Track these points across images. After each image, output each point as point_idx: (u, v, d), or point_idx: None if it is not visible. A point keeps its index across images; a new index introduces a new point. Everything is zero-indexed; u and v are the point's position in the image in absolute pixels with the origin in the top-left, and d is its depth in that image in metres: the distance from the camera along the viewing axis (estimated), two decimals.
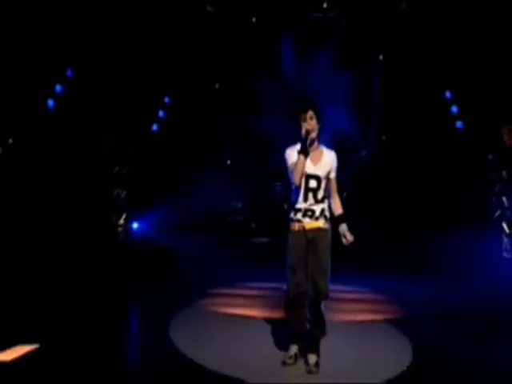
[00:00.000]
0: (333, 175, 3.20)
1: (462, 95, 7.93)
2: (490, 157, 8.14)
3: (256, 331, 4.07)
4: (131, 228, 8.70)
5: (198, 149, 8.31)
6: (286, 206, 4.02)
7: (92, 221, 8.15)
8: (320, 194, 3.13)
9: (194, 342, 3.75)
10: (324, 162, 3.15)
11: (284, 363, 3.18)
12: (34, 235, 7.02)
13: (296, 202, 3.16)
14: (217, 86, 8.47)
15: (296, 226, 3.14)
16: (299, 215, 3.13)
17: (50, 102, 7.43)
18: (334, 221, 3.20)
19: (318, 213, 3.12)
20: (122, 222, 8.68)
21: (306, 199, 3.13)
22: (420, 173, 8.22)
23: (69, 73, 7.41)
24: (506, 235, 8.16)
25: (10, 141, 7.45)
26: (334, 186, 3.23)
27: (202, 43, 7.79)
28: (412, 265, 6.99)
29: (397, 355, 3.55)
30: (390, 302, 5.61)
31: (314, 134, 3.11)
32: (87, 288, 5.76)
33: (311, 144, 3.12)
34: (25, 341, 3.61)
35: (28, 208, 7.15)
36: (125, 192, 8.66)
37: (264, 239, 8.23)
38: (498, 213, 8.22)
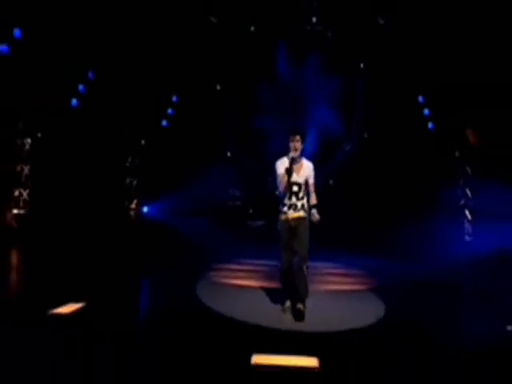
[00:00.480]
0: (310, 181, 4.31)
1: (433, 99, 8.98)
2: (457, 154, 9.28)
3: (257, 295, 5.16)
4: (141, 211, 9.71)
5: (201, 142, 9.26)
6: (277, 193, 4.98)
7: (108, 204, 9.16)
8: (300, 194, 4.26)
9: (212, 299, 4.84)
10: (303, 172, 4.26)
11: (283, 311, 4.32)
12: (66, 215, 8.01)
13: (283, 199, 4.28)
14: (218, 87, 9.40)
15: (283, 217, 4.28)
16: (285, 209, 4.27)
17: (74, 101, 8.36)
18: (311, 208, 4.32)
19: (299, 207, 4.24)
20: (133, 206, 9.69)
21: (290, 198, 4.24)
22: (397, 166, 9.25)
23: (90, 75, 8.32)
24: (468, 221, 9.33)
25: (39, 134, 8.41)
26: (311, 187, 4.33)
27: (206, 49, 8.71)
28: (388, 247, 8.04)
29: (372, 312, 4.66)
30: (369, 276, 6.71)
31: (298, 153, 4.17)
32: (110, 258, 6.80)
33: (295, 161, 4.17)
34: (74, 300, 4.64)
35: (59, 191, 8.13)
36: (136, 180, 9.66)
37: (259, 222, 9.30)
38: (462, 202, 9.37)
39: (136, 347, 3.61)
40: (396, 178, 9.23)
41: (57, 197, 8.31)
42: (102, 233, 8.14)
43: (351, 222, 8.99)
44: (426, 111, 9.06)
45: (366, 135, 9.60)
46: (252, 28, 8.76)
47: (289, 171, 4.11)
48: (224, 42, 8.76)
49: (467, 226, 9.24)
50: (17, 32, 6.99)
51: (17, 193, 8.46)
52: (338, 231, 8.49)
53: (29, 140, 8.42)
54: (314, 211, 4.23)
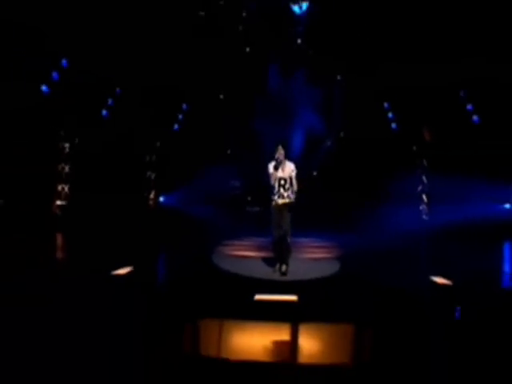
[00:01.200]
0: (293, 175, 6.12)
1: (396, 105, 10.85)
2: (415, 148, 11.20)
3: (255, 261, 7.10)
4: (159, 200, 11.58)
5: (207, 143, 11.10)
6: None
7: (129, 195, 10.99)
8: (286, 186, 6.11)
9: (224, 264, 6.78)
10: (287, 170, 6.09)
11: (274, 270, 6.28)
12: (99, 204, 9.85)
13: (273, 190, 6.14)
14: (221, 96, 11.20)
15: (273, 203, 6.15)
16: (276, 197, 6.13)
17: (104, 112, 10.12)
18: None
19: (285, 196, 6.10)
20: (152, 196, 11.55)
21: (279, 189, 6.10)
22: (367, 159, 11.15)
23: (117, 91, 10.06)
24: (425, 204, 11.31)
25: (76, 140, 10.19)
26: (293, 180, 6.13)
27: (212, 66, 10.46)
28: (356, 225, 9.91)
29: (331, 269, 6.64)
30: (335, 247, 8.69)
31: (282, 158, 6.02)
32: (138, 237, 8.70)
33: (280, 163, 6.04)
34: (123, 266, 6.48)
35: (93, 185, 9.95)
36: (154, 174, 11.50)
37: (256, 208, 11.19)
38: (419, 188, 11.33)
39: (171, 294, 5.53)
40: (366, 168, 11.13)
41: (91, 190, 10.16)
42: (128, 218, 10.02)
43: (328, 206, 10.93)
44: (391, 115, 10.95)
45: (342, 134, 11.47)
46: (247, 49, 10.51)
47: (276, 169, 5.99)
48: (226, 60, 10.52)
49: (424, 207, 11.25)
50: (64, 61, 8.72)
51: (60, 187, 10.31)
52: (319, 213, 10.42)
53: (68, 144, 10.21)
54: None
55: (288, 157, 6.13)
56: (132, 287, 5.84)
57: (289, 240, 6.11)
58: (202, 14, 9.50)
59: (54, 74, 8.53)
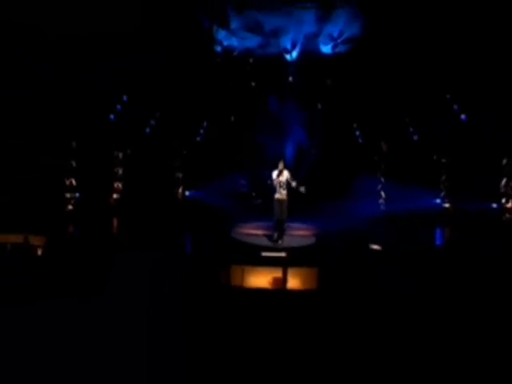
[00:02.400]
0: (289, 178, 9.44)
1: (361, 126, 14.23)
2: (375, 157, 14.60)
3: (261, 236, 10.55)
4: (185, 195, 14.93)
5: (222, 151, 14.44)
6: (269, 182, 10.22)
7: (164, 191, 14.31)
8: (284, 187, 9.46)
9: (241, 238, 10.22)
10: (284, 176, 9.41)
11: (273, 241, 9.74)
12: (144, 197, 13.16)
13: (275, 189, 9.51)
14: (232, 118, 14.57)
15: (275, 197, 9.53)
16: (277, 194, 9.51)
17: (147, 130, 13.44)
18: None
19: (282, 193, 9.47)
20: (180, 191, 14.88)
21: (279, 189, 9.47)
22: (340, 165, 14.45)
23: (156, 114, 13.39)
24: (383, 198, 14.74)
25: (128, 150, 13.50)
26: (291, 182, 9.40)
27: (226, 95, 13.78)
28: (330, 214, 13.28)
29: (310, 241, 10.12)
30: (314, 229, 12.04)
31: (281, 167, 9.40)
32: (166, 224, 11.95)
33: (281, 172, 9.43)
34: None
35: (139, 183, 13.26)
36: (181, 174, 14.84)
37: (259, 201, 14.56)
38: (379, 187, 14.75)
39: (209, 255, 8.90)
40: (339, 172, 14.43)
41: (138, 187, 13.50)
42: (164, 207, 13.39)
43: (310, 200, 14.31)
44: (358, 133, 14.36)
45: (321, 146, 14.87)
46: (253, 83, 13.88)
47: (277, 175, 9.35)
48: (236, 92, 13.86)
49: (382, 201, 14.70)
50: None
51: (115, 185, 13.66)
52: (303, 205, 13.80)
53: (121, 154, 13.55)
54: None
55: (284, 164, 9.49)
56: (179, 253, 9.25)
57: (285, 224, 9.57)
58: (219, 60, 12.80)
59: (118, 107, 11.87)
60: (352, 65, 12.45)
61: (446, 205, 13.47)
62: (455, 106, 11.67)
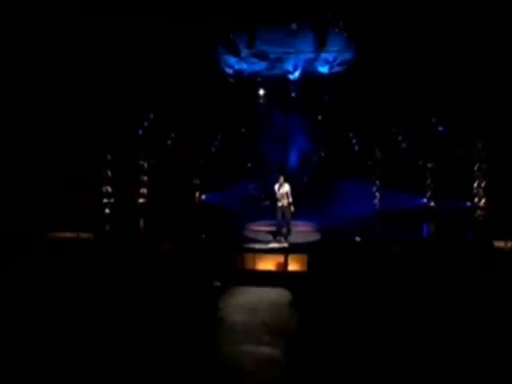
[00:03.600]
0: (289, 192, 11.53)
1: (358, 134, 16.52)
2: (370, 162, 16.84)
3: (267, 233, 12.86)
4: (202, 199, 17.33)
5: (233, 160, 16.81)
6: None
7: (183, 195, 16.70)
8: (284, 197, 11.58)
9: (250, 235, 12.56)
10: (285, 189, 11.56)
11: (278, 237, 12.06)
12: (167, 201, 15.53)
13: (277, 200, 11.66)
14: (243, 130, 16.98)
15: (278, 205, 11.73)
16: (279, 203, 11.66)
17: (168, 142, 15.89)
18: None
19: (285, 202, 11.60)
20: (197, 195, 17.29)
21: (280, 199, 11.59)
22: (339, 170, 16.67)
23: (172, 134, 15.84)
24: (378, 199, 16.99)
25: (151, 160, 15.97)
26: (289, 196, 11.61)
27: (236, 111, 16.18)
28: (332, 213, 15.52)
29: (315, 237, 12.41)
30: (317, 227, 14.27)
31: (282, 181, 11.69)
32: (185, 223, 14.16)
33: (281, 185, 11.73)
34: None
35: (163, 189, 15.66)
36: (198, 180, 17.25)
37: (266, 202, 16.84)
38: (374, 189, 17.00)
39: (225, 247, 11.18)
40: (339, 176, 16.66)
41: (161, 192, 15.91)
42: (184, 208, 15.79)
43: (314, 201, 16.64)
44: (354, 141, 16.66)
45: (322, 154, 17.21)
46: (261, 100, 16.29)
47: (278, 188, 11.62)
48: (246, 107, 16.28)
49: (376, 202, 16.94)
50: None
51: (141, 190, 16.12)
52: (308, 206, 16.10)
53: (146, 163, 16.04)
54: (291, 207, 11.62)
55: (284, 177, 11.77)
56: (202, 245, 11.56)
57: (290, 224, 11.77)
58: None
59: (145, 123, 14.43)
60: (347, 82, 14.66)
61: (431, 203, 15.67)
62: (433, 119, 13.90)
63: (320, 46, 13.77)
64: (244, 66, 14.92)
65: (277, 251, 10.08)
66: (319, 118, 16.36)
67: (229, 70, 14.97)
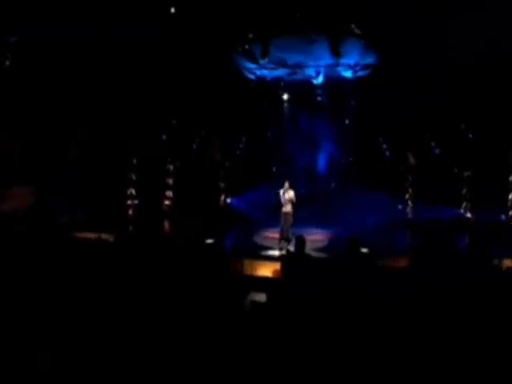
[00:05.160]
0: (293, 198, 11.91)
1: (389, 139, 16.30)
2: (402, 169, 16.50)
3: (272, 238, 13.21)
4: (227, 202, 18.03)
5: (259, 164, 17.30)
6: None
7: (209, 198, 17.48)
8: (287, 203, 11.89)
9: (261, 241, 13.04)
10: (290, 195, 11.90)
11: (281, 247, 12.40)
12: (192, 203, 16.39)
13: (283, 205, 12.06)
14: (269, 134, 17.45)
15: (282, 211, 12.09)
16: (283, 209, 12.01)
17: (194, 146, 16.81)
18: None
19: (288, 208, 11.95)
20: (222, 198, 18.03)
21: (284, 205, 11.95)
22: (370, 176, 16.51)
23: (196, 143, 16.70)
24: (410, 206, 16.60)
25: (177, 163, 16.97)
26: (293, 199, 12.02)
27: (261, 115, 16.70)
28: (353, 221, 15.51)
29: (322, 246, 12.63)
30: (329, 235, 14.32)
31: (286, 187, 11.97)
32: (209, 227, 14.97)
33: (286, 190, 11.97)
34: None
35: (189, 192, 16.57)
36: (224, 184, 17.98)
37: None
38: (406, 196, 16.63)
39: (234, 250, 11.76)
40: (369, 183, 16.55)
41: (187, 194, 16.82)
42: (210, 210, 16.57)
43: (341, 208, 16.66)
44: (384, 145, 16.47)
45: (350, 159, 17.17)
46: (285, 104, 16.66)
47: (283, 196, 11.95)
48: (271, 112, 16.75)
49: (409, 211, 16.59)
50: None
51: (167, 193, 17.18)
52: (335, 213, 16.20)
53: (172, 166, 17.05)
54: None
55: (289, 184, 12.07)
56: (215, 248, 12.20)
57: (290, 232, 12.06)
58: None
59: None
60: (373, 86, 14.58)
61: (468, 215, 15.09)
62: (464, 125, 13.45)
63: (335, 55, 13.83)
64: (265, 73, 15.34)
65: (274, 258, 10.46)
66: (346, 121, 16.33)
67: (251, 76, 15.42)
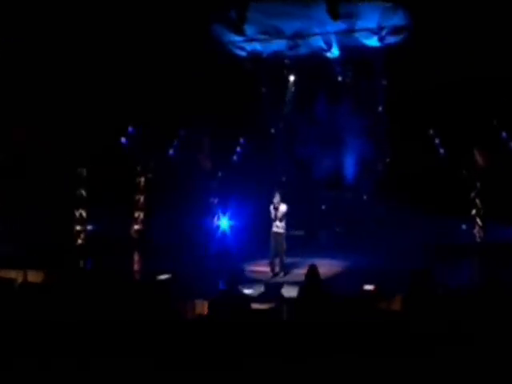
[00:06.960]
0: (285, 213, 8.53)
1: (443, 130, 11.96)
2: (465, 172, 12.03)
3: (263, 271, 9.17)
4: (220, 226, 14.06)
5: (260, 172, 13.29)
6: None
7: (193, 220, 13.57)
8: (279, 220, 8.61)
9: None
10: (281, 210, 8.54)
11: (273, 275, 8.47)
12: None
13: (272, 221, 8.58)
14: (272, 130, 13.48)
15: (271, 232, 8.69)
16: (273, 226, 8.70)
17: (172, 152, 13.03)
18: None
19: (279, 226, 8.69)
20: (215, 220, 14.10)
21: (275, 221, 8.69)
22: (414, 183, 12.11)
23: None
24: (479, 225, 12.04)
25: (150, 175, 13.25)
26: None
27: (260, 105, 12.83)
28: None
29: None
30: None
31: (278, 200, 8.44)
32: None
33: (277, 205, 8.40)
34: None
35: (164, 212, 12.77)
36: (216, 199, 14.05)
37: (300, 232, 12.93)
38: (473, 212, 12.09)
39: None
40: (414, 193, 12.11)
41: (163, 215, 13.04)
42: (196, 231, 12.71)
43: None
44: (437, 140, 12.11)
45: (387, 160, 12.85)
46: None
47: (274, 209, 8.75)
48: (274, 98, 12.84)
49: (477, 231, 12.08)
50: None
51: (136, 214, 13.42)
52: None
53: (143, 179, 13.32)
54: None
55: (280, 196, 8.35)
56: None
57: (283, 259, 8.55)
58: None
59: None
60: (412, 57, 10.70)
61: None
62: None
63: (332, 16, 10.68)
64: (257, 47, 12.13)
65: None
66: (379, 108, 12.17)
67: (241, 52, 12.19)
